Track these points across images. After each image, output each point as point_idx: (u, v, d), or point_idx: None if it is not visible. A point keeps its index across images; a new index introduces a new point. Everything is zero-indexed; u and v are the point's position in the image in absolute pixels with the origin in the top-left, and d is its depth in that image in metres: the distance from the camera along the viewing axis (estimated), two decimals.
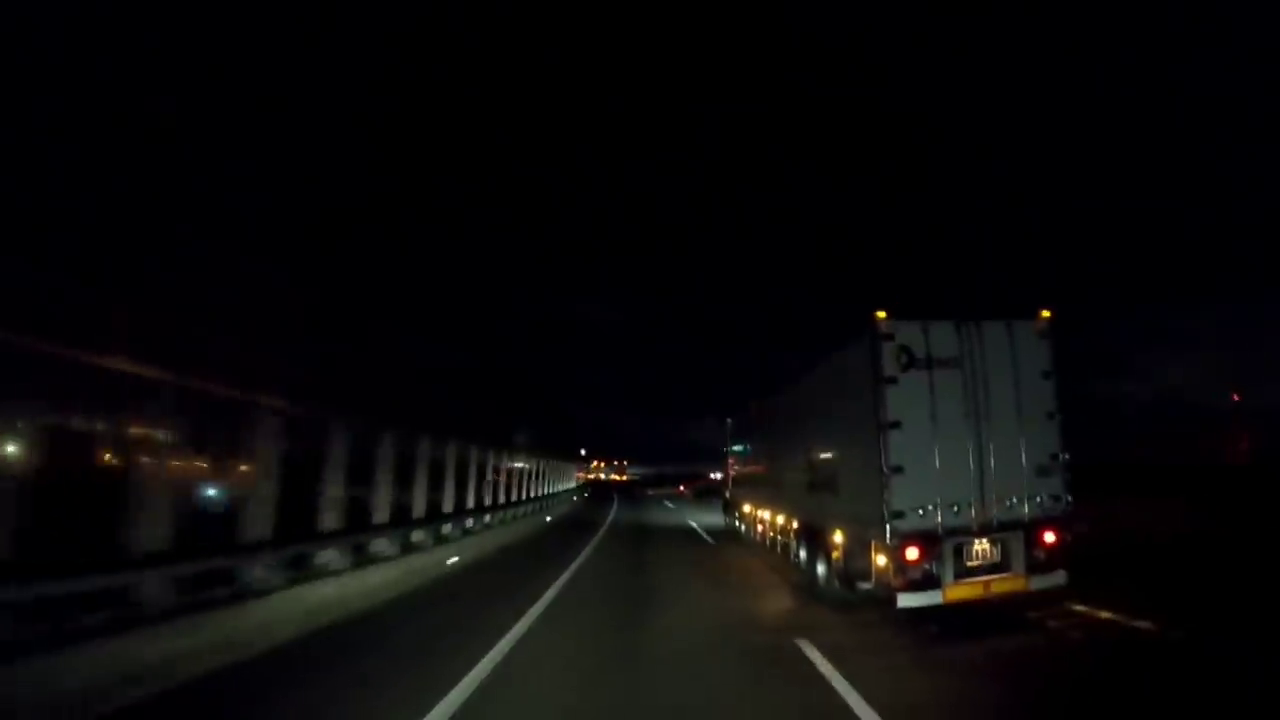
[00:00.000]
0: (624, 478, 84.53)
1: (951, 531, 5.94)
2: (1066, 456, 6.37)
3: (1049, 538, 6.18)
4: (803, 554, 8.76)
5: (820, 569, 7.85)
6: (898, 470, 5.89)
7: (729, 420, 16.27)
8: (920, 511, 5.91)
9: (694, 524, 19.75)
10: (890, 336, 6.04)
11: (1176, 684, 4.51)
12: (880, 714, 3.92)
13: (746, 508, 13.87)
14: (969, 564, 6.03)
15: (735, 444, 15.79)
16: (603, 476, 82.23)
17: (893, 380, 5.98)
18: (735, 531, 15.35)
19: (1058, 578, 6.17)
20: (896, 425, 5.93)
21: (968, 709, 4.17)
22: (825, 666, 4.92)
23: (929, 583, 5.86)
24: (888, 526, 5.84)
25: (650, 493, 54.32)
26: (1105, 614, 6.27)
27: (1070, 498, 6.34)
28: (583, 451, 72.94)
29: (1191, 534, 10.07)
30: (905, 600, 5.80)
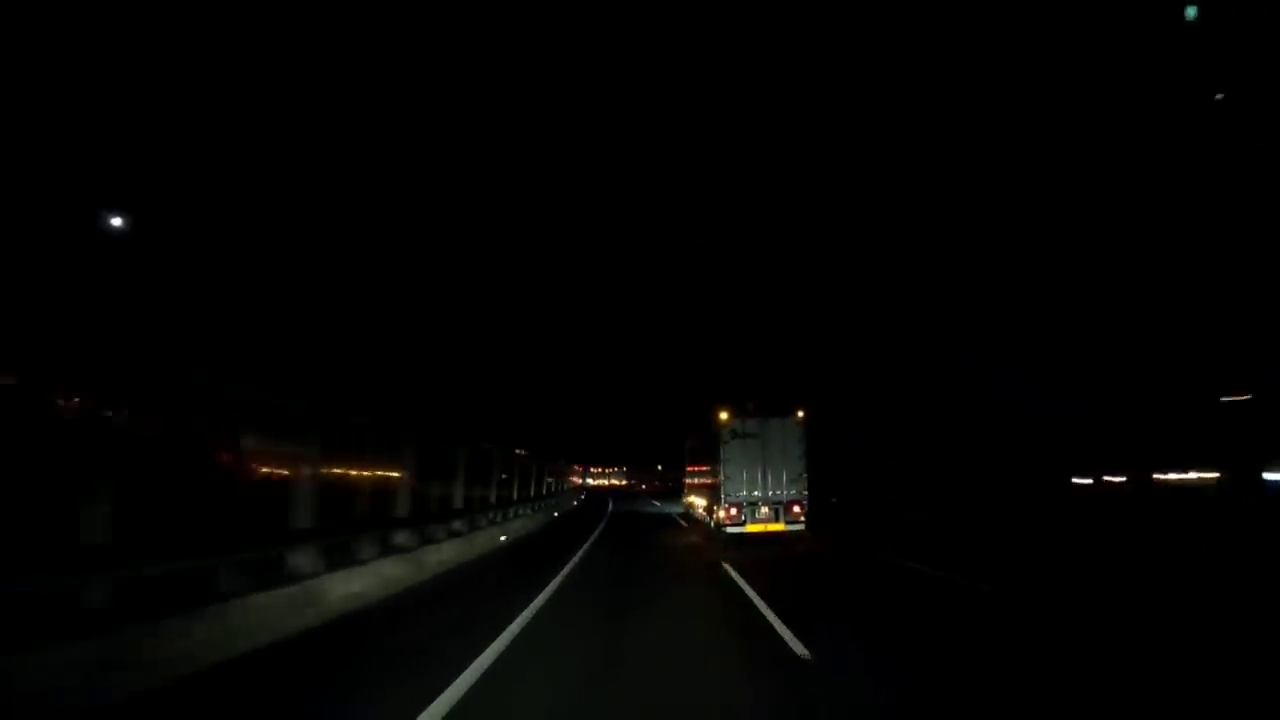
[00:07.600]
0: (622, 482, 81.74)
1: (749, 503, 14.70)
2: (806, 475, 15.15)
3: (796, 509, 14.91)
4: (709, 518, 17.59)
5: (712, 523, 16.63)
6: (728, 479, 14.70)
7: (686, 441, 25.20)
8: (737, 495, 14.69)
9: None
10: (725, 423, 14.86)
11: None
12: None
13: (691, 498, 22.78)
14: (758, 516, 14.76)
15: (687, 457, 24.76)
16: (608, 482, 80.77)
17: (726, 442, 14.79)
18: (689, 514, 24.25)
19: (800, 526, 14.92)
20: (728, 461, 14.74)
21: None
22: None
23: (741, 523, 14.63)
24: (723, 498, 14.66)
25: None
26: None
27: (807, 491, 15.14)
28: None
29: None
30: (730, 529, 14.58)
